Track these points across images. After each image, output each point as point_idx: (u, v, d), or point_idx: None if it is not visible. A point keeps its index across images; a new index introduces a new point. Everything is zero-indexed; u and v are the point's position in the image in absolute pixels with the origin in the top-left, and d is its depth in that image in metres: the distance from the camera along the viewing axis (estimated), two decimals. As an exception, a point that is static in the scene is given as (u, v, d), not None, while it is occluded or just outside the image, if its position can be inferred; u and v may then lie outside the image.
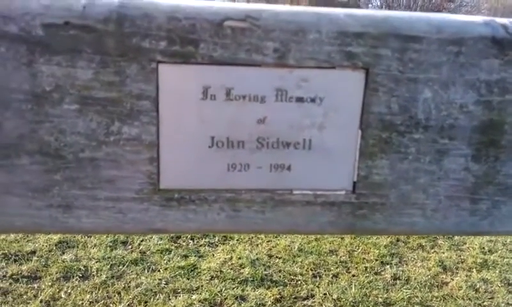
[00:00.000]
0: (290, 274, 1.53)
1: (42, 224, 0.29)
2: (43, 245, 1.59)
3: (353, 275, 1.56)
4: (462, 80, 0.29)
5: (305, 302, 1.39)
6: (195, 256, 1.60)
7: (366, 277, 1.55)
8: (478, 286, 1.59)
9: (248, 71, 0.28)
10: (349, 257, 1.68)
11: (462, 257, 1.80)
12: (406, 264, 1.68)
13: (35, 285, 1.37)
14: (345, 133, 0.29)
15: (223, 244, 1.70)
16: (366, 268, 1.61)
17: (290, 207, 0.30)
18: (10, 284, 1.37)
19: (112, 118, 0.27)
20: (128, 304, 1.31)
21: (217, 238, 1.73)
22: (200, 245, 1.68)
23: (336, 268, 1.59)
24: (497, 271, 1.72)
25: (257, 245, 1.71)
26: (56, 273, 1.43)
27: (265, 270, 1.54)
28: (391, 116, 0.29)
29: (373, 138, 0.29)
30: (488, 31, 0.28)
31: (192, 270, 1.51)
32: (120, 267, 1.50)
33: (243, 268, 1.54)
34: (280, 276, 1.51)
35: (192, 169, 0.29)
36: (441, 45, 0.28)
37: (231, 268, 1.54)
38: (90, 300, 1.32)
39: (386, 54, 0.28)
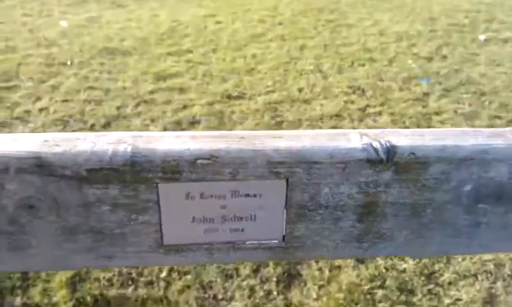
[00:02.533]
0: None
1: (95, 265, 0.49)
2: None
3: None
4: (348, 182, 0.46)
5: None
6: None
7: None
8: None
9: (213, 184, 0.45)
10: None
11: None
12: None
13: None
14: (276, 211, 0.47)
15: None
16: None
17: (245, 250, 0.49)
18: None
19: (132, 211, 0.45)
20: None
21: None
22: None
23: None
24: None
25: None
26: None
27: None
28: (304, 202, 0.47)
29: (293, 213, 0.47)
30: (364, 154, 0.44)
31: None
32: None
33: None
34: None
35: (182, 234, 0.48)
36: (333, 164, 0.45)
37: None
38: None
39: (299, 171, 0.45)
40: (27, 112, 2.76)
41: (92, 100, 2.99)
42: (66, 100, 2.96)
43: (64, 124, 2.65)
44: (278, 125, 2.82)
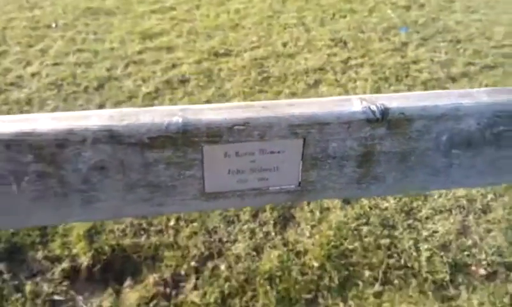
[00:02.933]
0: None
1: (149, 213, 0.60)
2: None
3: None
4: (350, 137, 0.57)
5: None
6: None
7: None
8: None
9: (245, 144, 0.56)
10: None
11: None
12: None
13: None
14: (294, 163, 0.59)
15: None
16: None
17: (269, 195, 0.61)
18: None
19: (182, 168, 0.56)
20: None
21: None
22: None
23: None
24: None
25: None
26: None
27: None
28: (315, 153, 0.58)
29: (307, 163, 0.59)
30: (364, 115, 0.56)
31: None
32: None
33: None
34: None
35: (220, 185, 0.59)
36: (340, 124, 0.56)
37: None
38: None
39: (312, 130, 0.56)
40: (20, 77, 2.78)
41: (82, 63, 3.01)
42: (56, 64, 2.97)
43: (58, 88, 2.68)
44: (265, 81, 2.90)
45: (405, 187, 0.65)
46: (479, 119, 0.59)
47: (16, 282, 1.44)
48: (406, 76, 2.99)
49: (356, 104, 0.57)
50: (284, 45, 3.43)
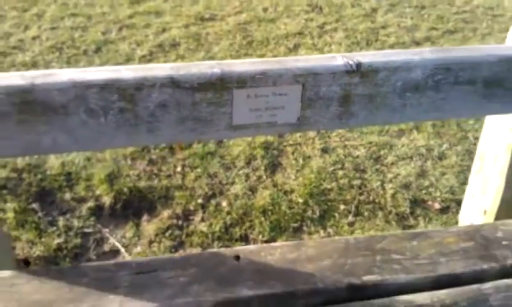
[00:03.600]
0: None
1: (193, 139, 0.82)
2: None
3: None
4: (335, 83, 0.79)
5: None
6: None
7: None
8: None
9: (262, 89, 0.77)
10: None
11: None
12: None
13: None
14: (295, 103, 0.81)
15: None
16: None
17: (277, 126, 0.84)
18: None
19: (218, 106, 0.78)
20: None
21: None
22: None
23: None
24: None
25: None
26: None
27: None
28: (310, 96, 0.80)
29: (304, 103, 0.81)
30: (344, 68, 0.78)
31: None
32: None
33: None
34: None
35: (243, 119, 0.81)
36: (328, 74, 0.78)
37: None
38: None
39: (309, 79, 0.78)
40: (21, 41, 2.88)
41: (78, 27, 3.11)
42: (54, 28, 3.06)
43: (59, 51, 2.80)
44: (249, 45, 3.07)
45: (373, 121, 0.88)
46: (423, 70, 0.82)
47: (50, 218, 1.64)
48: (376, 40, 3.22)
49: (339, 60, 0.79)
50: (265, 10, 3.59)
